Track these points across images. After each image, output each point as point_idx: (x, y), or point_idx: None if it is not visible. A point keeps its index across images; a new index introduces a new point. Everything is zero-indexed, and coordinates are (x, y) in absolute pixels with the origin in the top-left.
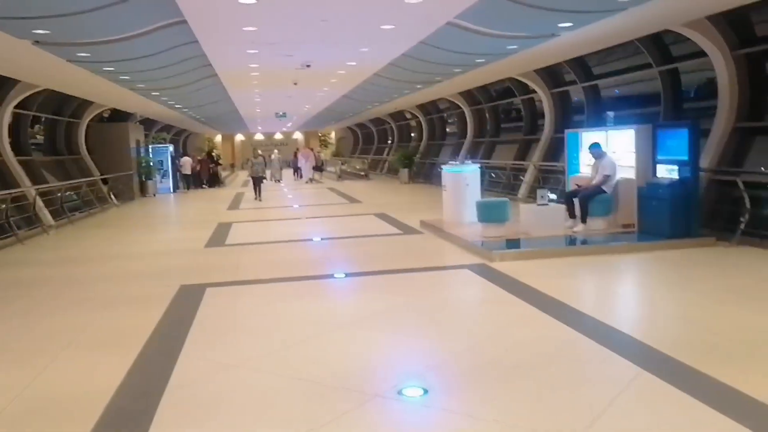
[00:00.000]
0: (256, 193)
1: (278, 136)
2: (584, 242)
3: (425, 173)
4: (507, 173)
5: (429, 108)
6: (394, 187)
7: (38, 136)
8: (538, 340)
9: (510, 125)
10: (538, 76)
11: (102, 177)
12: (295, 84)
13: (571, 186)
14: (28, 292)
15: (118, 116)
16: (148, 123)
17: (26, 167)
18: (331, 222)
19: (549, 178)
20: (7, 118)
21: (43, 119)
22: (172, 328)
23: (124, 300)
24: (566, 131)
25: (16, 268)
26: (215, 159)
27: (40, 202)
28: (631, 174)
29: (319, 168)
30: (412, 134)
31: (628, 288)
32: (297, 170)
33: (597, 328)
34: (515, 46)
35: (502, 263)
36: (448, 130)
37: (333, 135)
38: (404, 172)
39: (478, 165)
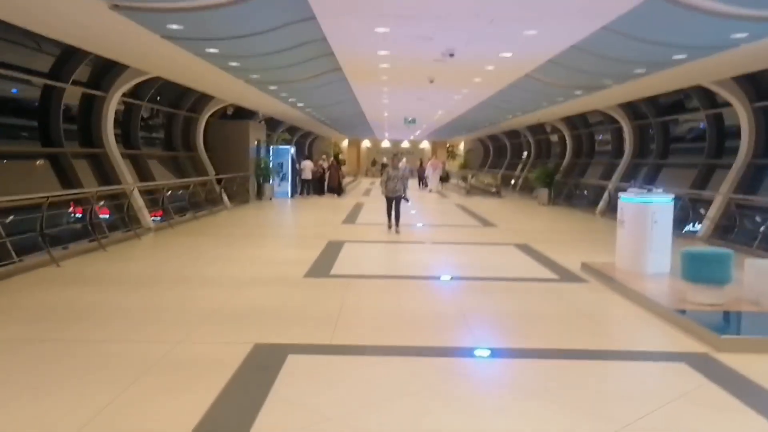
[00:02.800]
0: (390, 221)
1: (405, 144)
2: None
3: (567, 194)
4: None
5: (576, 121)
6: (532, 208)
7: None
8: None
9: (680, 146)
10: (736, 85)
11: (216, 177)
12: (431, 82)
13: None
14: (50, 332)
15: (242, 114)
16: (272, 123)
17: (133, 162)
18: (463, 252)
19: (747, 216)
20: (113, 107)
21: (153, 111)
22: None
23: (165, 368)
24: None
25: (69, 286)
26: (340, 164)
27: (139, 202)
28: None
29: (444, 179)
30: (553, 150)
31: None
32: (422, 180)
33: None
34: (744, 35)
35: (737, 356)
36: (597, 147)
37: (462, 146)
38: (543, 192)
39: (672, 195)
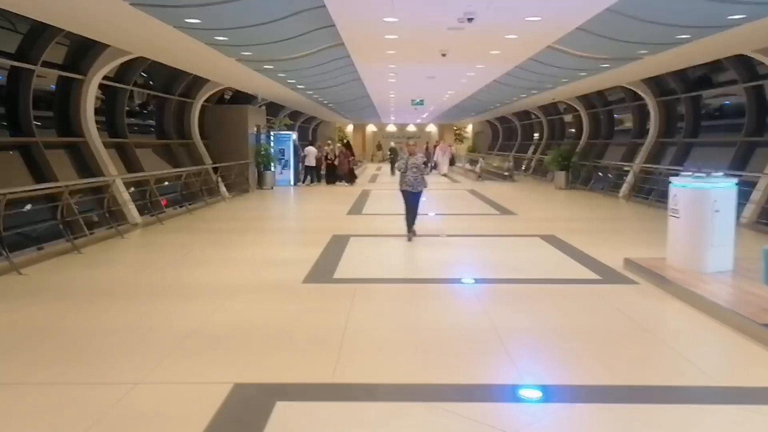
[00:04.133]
0: (408, 225)
1: (411, 128)
2: None
3: (584, 177)
4: None
5: (593, 99)
6: (549, 193)
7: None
8: None
9: (712, 123)
10: None
11: (212, 166)
12: (444, 55)
13: None
14: None
15: (241, 98)
16: (273, 108)
17: (120, 152)
18: (484, 246)
19: None
20: (93, 91)
21: (143, 96)
22: None
23: (108, 429)
24: None
25: (20, 301)
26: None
27: (124, 196)
28: None
29: (451, 163)
30: (566, 131)
31: None
32: (427, 164)
33: None
34: None
35: None
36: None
37: (469, 129)
38: (560, 176)
39: (736, 180)
